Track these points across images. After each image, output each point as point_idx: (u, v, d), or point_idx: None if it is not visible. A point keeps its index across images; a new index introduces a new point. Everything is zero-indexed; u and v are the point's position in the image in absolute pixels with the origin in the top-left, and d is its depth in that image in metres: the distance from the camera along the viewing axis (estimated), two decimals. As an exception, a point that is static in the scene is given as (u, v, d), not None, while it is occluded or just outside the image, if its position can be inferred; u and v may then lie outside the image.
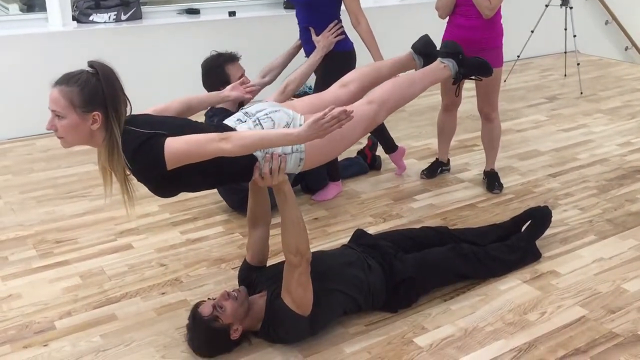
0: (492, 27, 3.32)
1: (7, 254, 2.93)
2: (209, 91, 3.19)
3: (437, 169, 3.79)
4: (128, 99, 2.00)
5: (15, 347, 2.30)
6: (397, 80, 2.55)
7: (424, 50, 2.63)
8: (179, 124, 2.07)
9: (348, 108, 2.00)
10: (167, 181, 1.99)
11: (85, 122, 1.93)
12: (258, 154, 2.10)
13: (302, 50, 3.52)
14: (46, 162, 4.04)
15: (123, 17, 4.82)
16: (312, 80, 3.46)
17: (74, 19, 4.68)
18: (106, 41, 4.63)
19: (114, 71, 1.97)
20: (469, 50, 3.30)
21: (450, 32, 3.40)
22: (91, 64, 1.96)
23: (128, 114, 2.00)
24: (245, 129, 2.13)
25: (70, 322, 2.44)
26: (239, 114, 2.24)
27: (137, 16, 4.89)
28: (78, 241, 3.05)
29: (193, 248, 2.99)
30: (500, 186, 3.59)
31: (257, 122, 2.16)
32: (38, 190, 3.63)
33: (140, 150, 1.92)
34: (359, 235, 2.71)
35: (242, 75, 3.15)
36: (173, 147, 1.91)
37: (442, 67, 2.61)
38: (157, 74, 4.77)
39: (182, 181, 2.03)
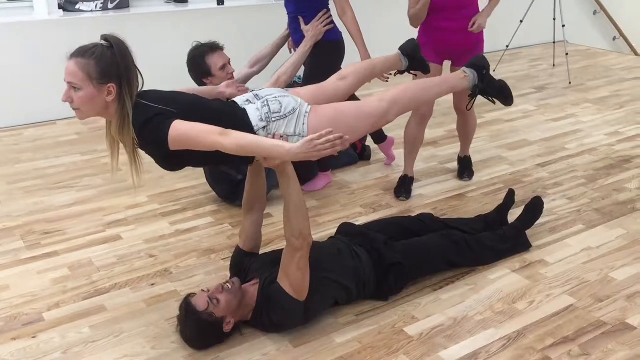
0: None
1: (-6, 246, 2.91)
2: (195, 81, 3.19)
3: (410, 186, 3.47)
4: (140, 72, 2.04)
5: (3, 339, 2.28)
6: (414, 82, 2.64)
7: (410, 53, 2.68)
8: (190, 102, 2.11)
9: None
10: (172, 157, 2.04)
11: (100, 93, 1.97)
12: (261, 133, 2.15)
13: (289, 39, 3.51)
14: (33, 153, 4.00)
15: (110, 6, 4.77)
16: (301, 70, 3.44)
17: (60, 7, 4.62)
18: (93, 30, 4.51)
19: (127, 45, 2.02)
20: (454, 51, 3.27)
21: (431, 36, 3.23)
22: (105, 38, 2.01)
23: (140, 87, 2.05)
24: (253, 110, 2.18)
25: (59, 313, 2.43)
26: (248, 95, 2.28)
27: (124, 5, 4.83)
28: (66, 232, 3.03)
29: (182, 239, 2.98)
30: (471, 174, 3.62)
31: (265, 103, 2.20)
32: (25, 180, 3.59)
33: (147, 126, 1.97)
34: (346, 228, 2.72)
35: (226, 64, 3.14)
36: (178, 131, 1.95)
37: (463, 76, 2.63)
38: (144, 63, 4.69)
39: (187, 157, 2.07)
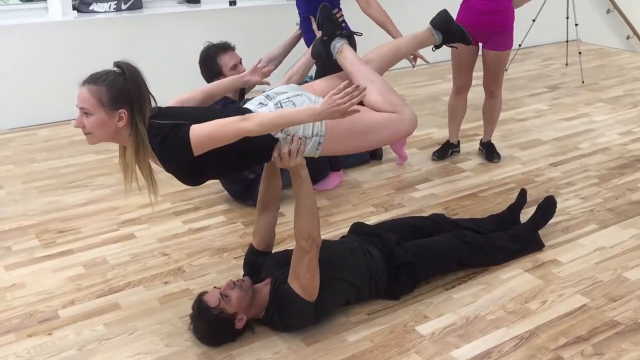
0: (506, 11, 3.47)
1: (10, 244, 2.93)
2: (207, 81, 3.20)
3: (448, 151, 3.91)
4: (153, 96, 2.05)
5: (19, 336, 2.31)
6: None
7: (443, 26, 2.59)
8: (199, 113, 2.12)
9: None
10: (193, 168, 2.05)
11: (112, 119, 1.98)
12: (279, 135, 2.14)
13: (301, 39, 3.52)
14: (47, 152, 4.04)
15: (123, 7, 4.81)
16: (312, 70, 3.45)
17: (74, 8, 4.66)
18: (106, 31, 4.61)
19: (139, 71, 2.03)
20: (483, 34, 3.48)
21: (466, 16, 3.48)
22: (117, 64, 2.02)
23: (153, 110, 2.05)
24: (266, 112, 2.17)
25: (74, 311, 2.45)
26: (260, 97, 2.27)
27: (137, 5, 4.87)
28: (81, 231, 3.06)
29: (195, 237, 3.00)
30: (499, 155, 3.84)
31: (278, 105, 2.20)
32: (40, 180, 3.63)
33: (166, 141, 1.98)
34: (358, 227, 2.73)
35: (237, 64, 3.16)
36: (197, 133, 1.96)
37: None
38: (158, 64, 4.76)
39: (208, 168, 2.09)
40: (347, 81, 2.00)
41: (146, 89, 2.03)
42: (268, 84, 2.66)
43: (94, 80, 1.99)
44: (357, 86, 1.98)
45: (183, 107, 2.22)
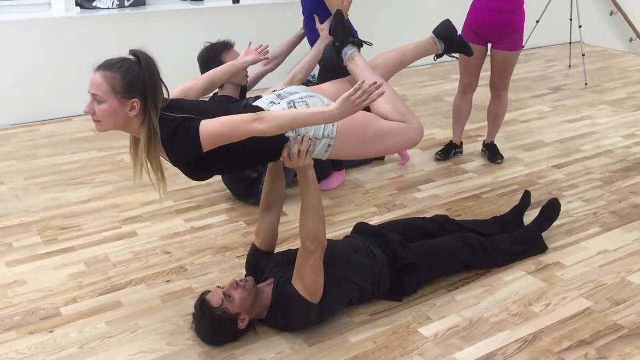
0: (516, 11, 3.46)
1: (11, 240, 2.92)
2: None
3: (451, 151, 3.90)
4: (167, 87, 2.03)
5: (21, 333, 2.30)
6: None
7: (446, 35, 2.62)
8: (209, 109, 2.10)
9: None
10: (201, 163, 2.02)
11: (124, 108, 1.95)
12: (290, 134, 2.13)
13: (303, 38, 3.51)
14: (50, 149, 4.03)
15: (127, 3, 4.79)
16: (315, 70, 3.44)
17: (77, 4, 4.65)
18: (109, 27, 4.60)
19: (155, 61, 2.00)
20: (493, 33, 3.49)
21: (475, 15, 3.49)
22: (134, 52, 1.99)
23: (165, 101, 2.03)
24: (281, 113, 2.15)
25: (76, 308, 2.45)
26: (271, 96, 2.26)
27: (140, 2, 4.86)
28: (83, 228, 3.05)
29: (198, 236, 2.99)
30: (502, 157, 3.84)
31: (292, 104, 2.18)
32: (42, 176, 3.62)
33: (176, 134, 1.95)
34: (361, 227, 2.72)
35: None
36: (208, 129, 1.94)
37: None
38: (160, 61, 4.73)
39: (216, 163, 2.06)
40: (362, 80, 1.98)
41: (160, 79, 2.00)
42: (267, 59, 2.68)
43: (109, 66, 1.95)
44: (375, 83, 1.97)
45: (194, 100, 2.20)
